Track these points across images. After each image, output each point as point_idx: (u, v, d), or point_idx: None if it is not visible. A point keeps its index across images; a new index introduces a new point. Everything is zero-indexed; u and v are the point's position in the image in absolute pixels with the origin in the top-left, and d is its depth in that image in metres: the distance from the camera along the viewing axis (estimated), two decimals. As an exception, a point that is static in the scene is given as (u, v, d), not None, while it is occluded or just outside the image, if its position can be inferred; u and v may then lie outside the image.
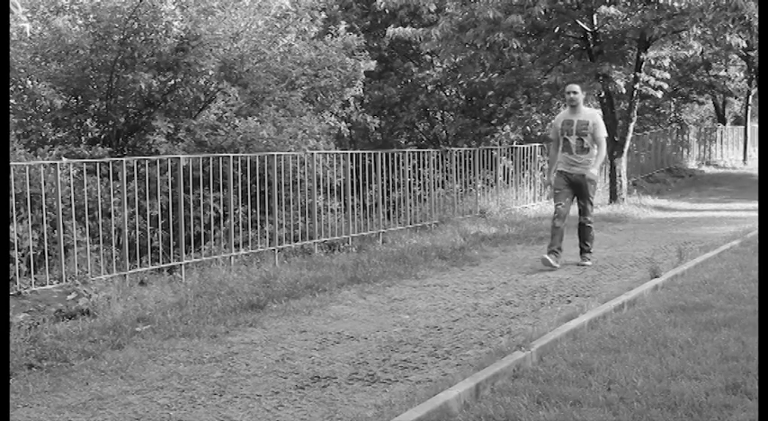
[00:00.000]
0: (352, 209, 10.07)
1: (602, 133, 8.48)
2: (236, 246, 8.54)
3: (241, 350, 5.45)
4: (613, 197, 15.24)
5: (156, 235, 8.35)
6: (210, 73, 10.57)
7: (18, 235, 6.73)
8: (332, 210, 10.07)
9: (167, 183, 8.20)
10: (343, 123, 12.78)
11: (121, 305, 6.42)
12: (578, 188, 8.56)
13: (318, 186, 9.83)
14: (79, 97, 10.58)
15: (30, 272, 6.59)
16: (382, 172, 10.61)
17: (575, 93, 8.53)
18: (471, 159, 12.99)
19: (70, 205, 7.10)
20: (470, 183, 12.96)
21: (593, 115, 8.63)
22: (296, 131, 10.37)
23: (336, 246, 9.59)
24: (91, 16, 10.32)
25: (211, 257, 8.14)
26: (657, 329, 5.50)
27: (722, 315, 5.82)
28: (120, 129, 10.61)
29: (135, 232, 8.23)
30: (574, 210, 8.79)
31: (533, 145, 15.28)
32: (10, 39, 9.49)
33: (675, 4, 12.89)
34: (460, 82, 18.22)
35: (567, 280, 7.92)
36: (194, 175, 8.39)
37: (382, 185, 10.60)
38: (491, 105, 17.96)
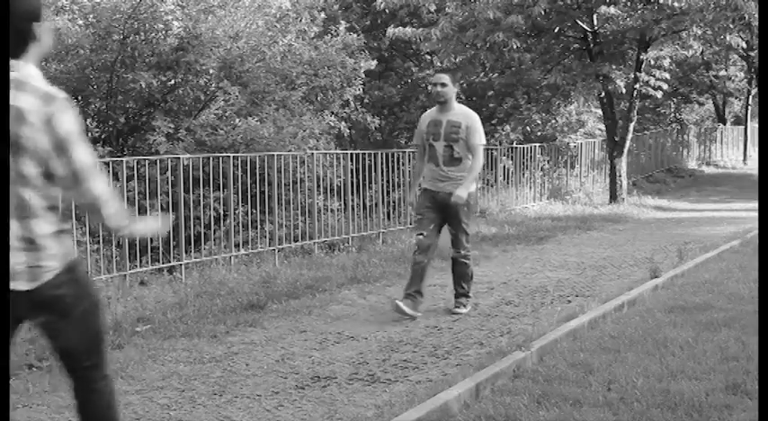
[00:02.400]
0: (352, 209, 10.07)
1: (479, 140, 6.40)
2: (236, 246, 8.53)
3: (241, 350, 5.45)
4: (613, 197, 15.25)
5: (156, 235, 8.35)
6: (211, 72, 10.56)
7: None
8: (332, 210, 10.07)
9: (167, 182, 8.20)
10: (343, 123, 12.78)
11: (121, 305, 6.42)
12: (446, 211, 6.40)
13: (318, 186, 9.83)
14: (79, 97, 10.56)
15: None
16: (382, 172, 10.61)
17: (443, 85, 6.38)
18: (471, 159, 12.97)
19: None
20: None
21: (467, 116, 6.45)
22: (296, 131, 10.36)
23: (336, 246, 9.59)
24: (91, 16, 10.31)
25: (211, 257, 8.14)
26: (657, 329, 5.50)
27: (722, 315, 5.83)
28: (120, 129, 10.60)
29: (135, 232, 8.22)
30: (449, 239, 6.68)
31: (533, 145, 15.30)
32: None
33: (675, 4, 12.90)
34: (460, 82, 18.21)
35: (567, 280, 7.92)
36: (194, 175, 8.38)
37: (382, 185, 10.60)
38: (491, 105, 17.96)
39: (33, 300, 2.81)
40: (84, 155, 2.75)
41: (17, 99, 2.69)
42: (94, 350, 3.01)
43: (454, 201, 6.25)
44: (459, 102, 6.68)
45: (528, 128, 16.80)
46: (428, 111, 6.73)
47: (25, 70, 2.77)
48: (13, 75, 2.72)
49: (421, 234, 6.43)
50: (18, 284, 2.76)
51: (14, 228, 2.74)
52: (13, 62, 2.74)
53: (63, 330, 2.92)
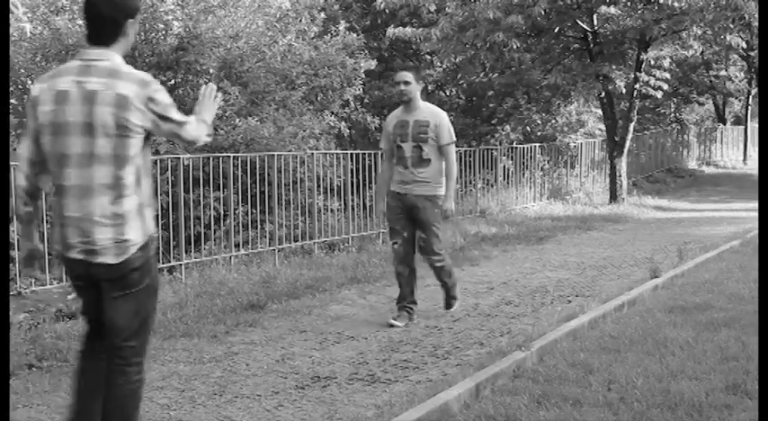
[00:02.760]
0: (352, 209, 10.07)
1: (450, 138, 6.09)
2: (237, 246, 8.53)
3: (241, 350, 5.45)
4: (613, 197, 15.25)
5: (156, 235, 8.35)
6: (211, 72, 10.56)
7: (18, 235, 6.72)
8: (332, 210, 10.07)
9: (167, 182, 8.20)
10: (343, 123, 12.78)
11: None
12: (415, 214, 6.10)
13: (318, 186, 9.83)
14: (79, 97, 10.58)
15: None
16: (382, 172, 10.60)
17: (406, 82, 6.03)
18: (471, 159, 12.99)
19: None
20: (470, 183, 12.97)
21: (435, 114, 6.13)
22: (296, 131, 10.37)
23: (336, 246, 9.59)
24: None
25: (211, 257, 8.14)
26: (657, 329, 5.50)
27: (722, 315, 5.83)
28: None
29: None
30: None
31: (533, 145, 15.30)
32: (10, 39, 9.48)
33: (675, 4, 12.90)
34: (460, 82, 18.23)
35: (567, 280, 7.92)
36: (194, 175, 8.39)
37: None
38: (491, 105, 17.97)
39: (113, 273, 3.04)
40: (178, 116, 3.16)
41: (116, 86, 3.00)
42: (139, 332, 3.14)
43: (445, 214, 6.11)
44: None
45: (528, 128, 16.81)
46: (393, 112, 6.37)
47: (115, 59, 3.08)
48: (105, 63, 3.04)
49: (395, 242, 6.19)
50: (106, 259, 3.02)
51: (102, 205, 3.01)
52: (102, 51, 3.06)
53: (119, 305, 3.10)
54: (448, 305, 6.50)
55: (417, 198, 6.05)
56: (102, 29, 3.07)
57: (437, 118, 6.09)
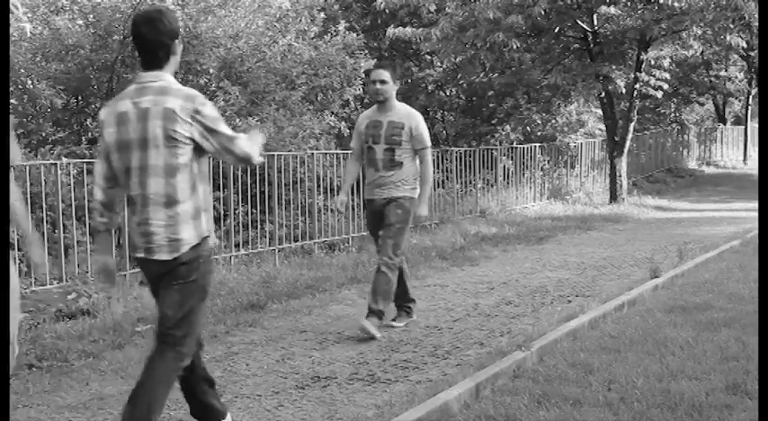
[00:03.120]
0: (353, 209, 10.06)
1: (426, 142, 5.82)
2: (237, 245, 8.53)
3: (241, 350, 5.45)
4: (613, 197, 15.25)
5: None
6: (211, 72, 10.56)
7: (18, 235, 6.73)
8: (332, 210, 10.07)
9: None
10: (343, 123, 12.78)
11: (122, 305, 6.42)
12: (382, 216, 5.86)
13: (318, 186, 9.83)
14: (79, 97, 10.57)
15: (30, 272, 6.59)
16: (382, 172, 10.59)
17: (382, 82, 5.75)
18: (471, 159, 13.00)
19: (70, 205, 7.10)
20: (470, 183, 12.96)
21: (411, 116, 5.84)
22: (296, 131, 10.36)
23: (336, 246, 9.59)
24: (91, 16, 10.31)
25: (211, 257, 8.13)
26: (657, 329, 5.50)
27: (722, 315, 5.83)
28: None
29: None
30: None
31: (533, 145, 15.30)
32: (10, 39, 9.48)
33: (675, 4, 12.90)
34: (460, 82, 18.22)
35: (567, 280, 7.92)
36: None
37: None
38: (491, 105, 17.96)
39: (166, 268, 3.45)
40: (228, 130, 3.47)
41: (165, 102, 3.36)
42: (182, 323, 3.49)
43: (419, 220, 5.89)
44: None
45: (528, 128, 16.81)
46: (366, 111, 6.14)
47: (167, 78, 3.45)
48: (158, 84, 3.42)
49: (377, 249, 5.98)
50: (161, 255, 3.43)
51: (158, 210, 3.41)
52: (155, 73, 3.45)
53: (167, 295, 3.49)
54: (369, 314, 5.72)
55: (385, 199, 5.83)
56: (152, 54, 3.44)
57: (413, 120, 5.79)
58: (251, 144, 3.54)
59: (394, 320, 6.04)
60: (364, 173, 6.26)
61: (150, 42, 3.40)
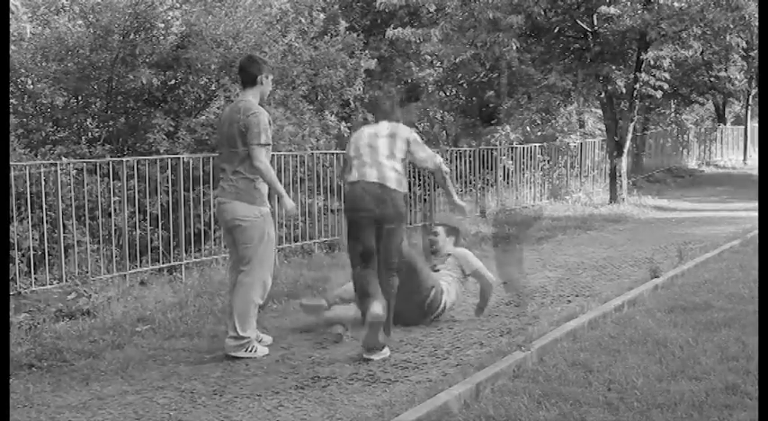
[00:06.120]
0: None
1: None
2: (237, 245, 8.52)
3: (241, 350, 5.44)
4: (613, 197, 15.24)
5: (156, 235, 8.35)
6: (212, 68, 10.54)
7: (18, 234, 6.73)
8: (332, 211, 10.06)
9: (168, 181, 8.20)
10: (344, 123, 12.77)
11: (121, 305, 6.42)
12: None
13: (318, 186, 9.83)
14: (79, 97, 10.56)
15: (30, 272, 6.59)
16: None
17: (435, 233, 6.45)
18: (471, 159, 13.00)
19: (70, 205, 7.10)
20: (470, 183, 12.96)
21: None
22: (296, 131, 10.35)
23: (336, 246, 9.59)
24: (91, 16, 10.30)
25: (212, 257, 8.14)
26: (657, 329, 5.50)
27: (722, 315, 5.83)
28: (120, 129, 10.58)
29: (135, 232, 8.22)
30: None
31: (533, 145, 15.29)
32: (10, 39, 9.48)
33: (675, 5, 12.89)
34: (460, 82, 18.23)
35: (567, 280, 7.92)
36: (195, 174, 8.39)
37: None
38: (491, 105, 17.97)
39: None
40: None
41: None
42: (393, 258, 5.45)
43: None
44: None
45: (528, 128, 16.80)
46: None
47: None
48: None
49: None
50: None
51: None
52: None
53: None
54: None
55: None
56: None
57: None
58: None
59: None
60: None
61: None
